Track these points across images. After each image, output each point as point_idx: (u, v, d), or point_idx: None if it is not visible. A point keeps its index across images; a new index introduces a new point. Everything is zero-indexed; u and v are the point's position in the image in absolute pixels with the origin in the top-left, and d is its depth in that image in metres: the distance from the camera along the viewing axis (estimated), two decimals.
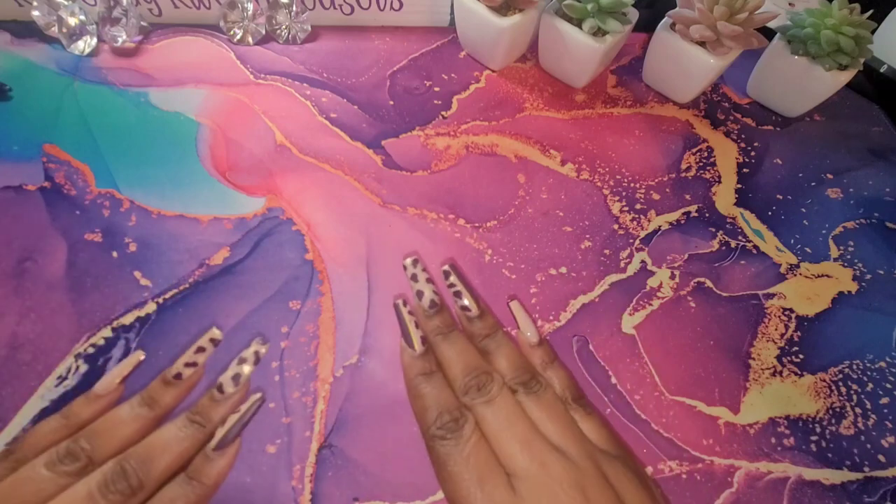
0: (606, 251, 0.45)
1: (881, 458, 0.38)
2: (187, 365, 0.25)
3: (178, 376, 0.25)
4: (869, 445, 0.39)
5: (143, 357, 0.26)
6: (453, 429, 0.23)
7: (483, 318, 0.26)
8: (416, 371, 0.25)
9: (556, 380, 0.26)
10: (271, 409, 0.36)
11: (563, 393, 0.26)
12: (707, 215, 0.48)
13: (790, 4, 0.63)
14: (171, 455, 0.23)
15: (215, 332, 0.26)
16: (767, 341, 0.42)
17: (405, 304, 0.26)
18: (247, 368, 0.25)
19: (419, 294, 0.26)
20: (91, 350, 0.36)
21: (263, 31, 0.53)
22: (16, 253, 0.40)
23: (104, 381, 0.25)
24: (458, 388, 0.24)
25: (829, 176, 0.52)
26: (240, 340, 0.38)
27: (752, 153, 0.53)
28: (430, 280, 0.26)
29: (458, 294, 0.26)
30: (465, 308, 0.26)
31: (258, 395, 0.25)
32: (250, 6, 0.51)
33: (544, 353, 0.27)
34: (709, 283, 0.44)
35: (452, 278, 0.26)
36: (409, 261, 0.27)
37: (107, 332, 0.37)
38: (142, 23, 0.52)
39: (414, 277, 0.26)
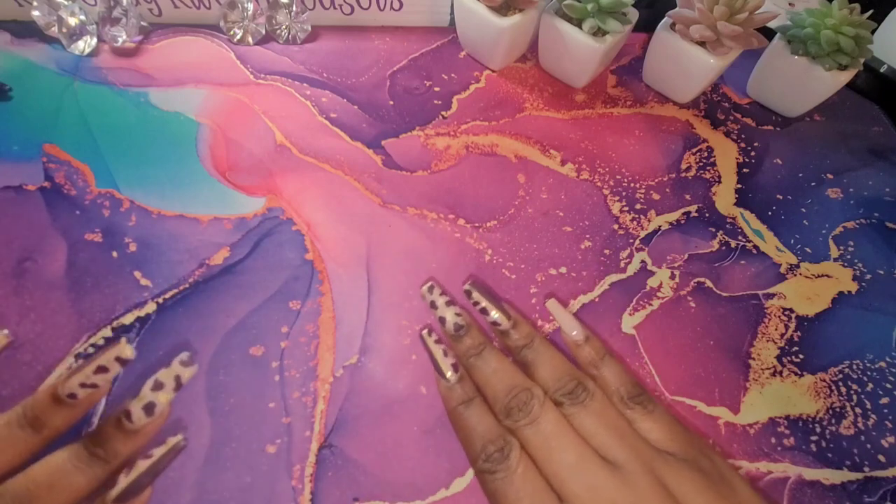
0: (606, 251, 0.45)
1: (881, 458, 0.38)
2: (83, 386, 0.20)
3: (73, 396, 0.20)
4: (869, 445, 0.39)
5: (10, 340, 0.21)
6: (499, 459, 0.22)
7: (517, 328, 0.25)
8: (456, 401, 0.24)
9: (609, 377, 0.25)
10: (271, 409, 0.36)
11: (617, 391, 0.24)
12: (707, 215, 0.48)
13: (790, 4, 0.63)
14: (61, 497, 0.18)
15: (125, 350, 0.21)
16: (767, 341, 0.42)
17: (430, 332, 0.25)
18: (163, 397, 0.21)
19: (441, 321, 0.25)
20: (91, 350, 0.36)
21: (263, 31, 0.53)
22: (16, 253, 0.40)
23: None
24: (500, 411, 0.23)
25: (829, 176, 0.52)
26: (240, 340, 0.38)
27: (752, 153, 0.53)
28: (450, 303, 0.25)
29: (484, 311, 0.25)
30: (495, 323, 0.25)
31: (178, 438, 0.21)
32: (250, 6, 0.51)
33: (592, 351, 0.26)
34: (709, 283, 0.44)
35: (475, 295, 0.25)
36: (424, 289, 0.26)
37: (107, 332, 0.37)
38: (142, 23, 0.52)
39: (433, 305, 0.26)
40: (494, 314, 0.25)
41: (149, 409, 0.20)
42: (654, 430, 0.23)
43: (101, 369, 0.21)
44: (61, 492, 0.18)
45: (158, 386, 0.20)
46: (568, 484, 0.21)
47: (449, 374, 0.24)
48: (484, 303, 0.25)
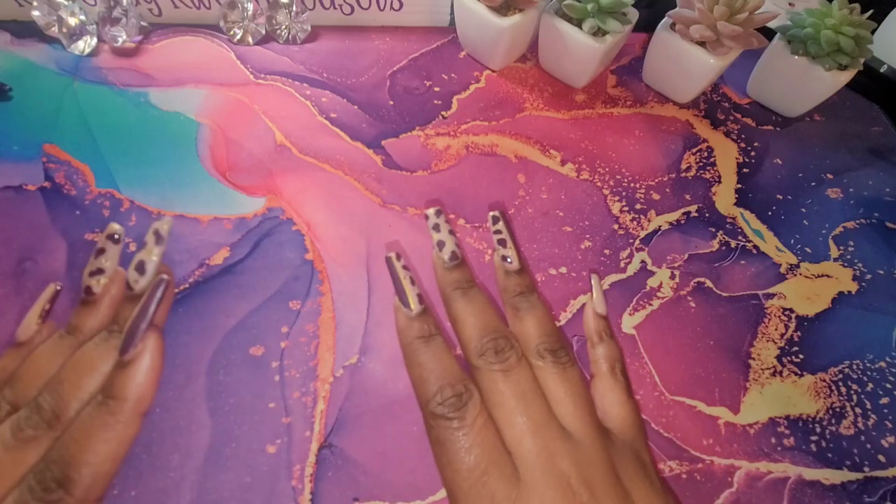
0: (606, 251, 0.45)
1: (881, 458, 0.38)
2: (93, 274, 0.21)
3: (90, 291, 0.21)
4: (869, 445, 0.39)
5: (58, 288, 0.22)
6: (456, 406, 0.20)
7: (521, 275, 0.24)
8: (414, 334, 0.22)
9: (607, 350, 0.25)
10: (271, 409, 0.36)
11: (612, 362, 0.24)
12: (707, 215, 0.48)
13: (790, 4, 0.63)
14: (88, 377, 0.19)
15: (114, 227, 0.21)
16: (767, 341, 0.42)
17: (399, 257, 0.23)
18: (150, 252, 0.21)
19: (440, 244, 0.24)
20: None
21: (263, 31, 0.53)
22: (16, 253, 0.40)
23: (23, 325, 0.21)
24: (473, 349, 0.22)
25: (829, 176, 0.52)
26: (240, 340, 0.38)
27: (752, 153, 0.53)
28: (452, 232, 0.24)
29: (502, 242, 0.24)
30: (505, 258, 0.24)
31: (162, 277, 0.20)
32: (250, 6, 0.51)
33: (606, 325, 0.26)
34: (709, 283, 0.44)
35: (500, 225, 0.24)
36: (432, 210, 0.24)
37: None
38: (142, 23, 0.52)
39: (436, 227, 0.24)
40: (509, 251, 0.24)
41: (140, 267, 0.21)
42: (620, 408, 0.23)
43: (99, 252, 0.21)
44: (89, 370, 0.19)
45: (144, 245, 0.21)
46: (524, 444, 0.20)
47: (413, 303, 0.22)
48: (505, 234, 0.24)
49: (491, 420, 0.21)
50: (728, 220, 0.48)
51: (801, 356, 0.42)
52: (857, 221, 0.49)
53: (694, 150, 0.52)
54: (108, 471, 0.18)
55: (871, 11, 0.49)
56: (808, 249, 0.47)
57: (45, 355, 0.21)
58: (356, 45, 0.55)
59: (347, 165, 0.47)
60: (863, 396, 0.41)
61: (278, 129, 0.48)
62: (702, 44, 0.50)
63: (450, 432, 0.20)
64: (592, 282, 0.28)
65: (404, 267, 0.23)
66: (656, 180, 0.50)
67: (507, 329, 0.23)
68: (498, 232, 0.24)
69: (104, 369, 0.19)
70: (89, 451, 0.18)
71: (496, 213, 0.25)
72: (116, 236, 0.21)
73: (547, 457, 0.20)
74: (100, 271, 0.21)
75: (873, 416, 0.40)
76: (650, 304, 0.43)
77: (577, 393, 0.22)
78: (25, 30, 0.50)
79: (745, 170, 0.51)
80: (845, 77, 0.50)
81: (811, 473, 0.37)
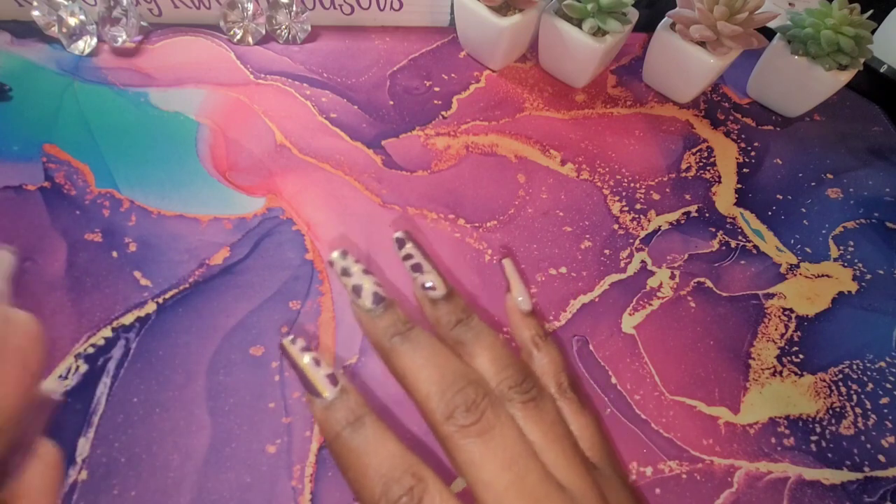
0: (606, 251, 0.45)
1: (881, 458, 0.38)
2: None
3: None
4: (869, 445, 0.39)
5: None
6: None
7: (452, 300, 0.20)
8: (339, 424, 0.17)
9: (549, 363, 0.21)
10: (271, 409, 0.36)
11: (557, 377, 0.21)
12: (707, 215, 0.48)
13: (790, 4, 0.63)
14: None
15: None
16: (767, 341, 0.42)
17: (294, 339, 0.19)
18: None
19: (356, 290, 0.19)
20: (91, 350, 0.36)
21: (263, 31, 0.53)
22: (16, 253, 0.40)
23: None
24: (435, 411, 0.18)
25: (829, 176, 0.52)
26: (240, 340, 0.38)
27: (752, 153, 0.53)
28: (367, 271, 0.20)
29: (416, 267, 0.20)
30: (424, 286, 0.20)
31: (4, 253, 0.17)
32: (250, 6, 0.51)
33: (538, 327, 0.21)
34: (709, 283, 0.44)
35: (409, 247, 0.20)
36: (335, 254, 0.20)
37: (107, 332, 0.37)
38: (142, 23, 0.52)
39: (345, 272, 0.19)
40: (429, 276, 0.19)
41: None
42: (584, 430, 0.20)
43: None
44: None
45: None
46: (487, 486, 0.17)
47: (327, 391, 0.18)
48: (418, 257, 0.20)
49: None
50: (728, 220, 0.48)
51: (801, 356, 0.42)
52: (857, 221, 0.50)
53: (694, 150, 0.52)
54: None
55: (871, 11, 0.49)
56: (808, 249, 0.47)
57: None
58: (356, 45, 0.55)
59: (347, 165, 0.47)
60: (863, 396, 0.41)
61: (278, 129, 0.48)
62: (702, 44, 0.50)
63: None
64: (506, 270, 0.21)
65: (303, 349, 0.18)
66: (656, 180, 0.50)
67: (470, 370, 0.19)
68: (408, 256, 0.20)
69: None
70: None
71: (400, 234, 0.20)
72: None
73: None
74: None
75: (873, 416, 0.40)
76: (650, 304, 0.43)
77: (556, 435, 0.19)
78: (25, 30, 0.50)
79: (745, 170, 0.51)
80: (845, 77, 0.50)
81: (811, 473, 0.37)
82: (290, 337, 0.19)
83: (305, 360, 0.18)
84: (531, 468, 0.17)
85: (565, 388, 0.20)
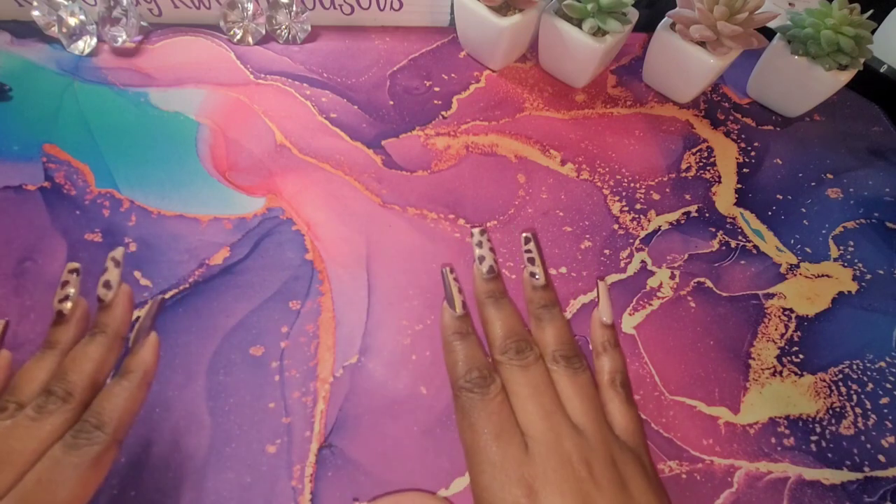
0: (606, 251, 0.45)
1: (881, 458, 0.38)
2: (62, 300, 0.27)
3: (61, 314, 0.27)
4: (869, 445, 0.39)
5: (6, 322, 0.28)
6: (481, 384, 0.24)
7: (546, 290, 0.27)
8: (453, 330, 0.26)
9: (609, 362, 0.27)
10: (271, 409, 0.36)
11: (613, 374, 0.26)
12: (707, 215, 0.48)
13: (790, 4, 0.63)
14: (87, 365, 0.25)
15: (74, 264, 0.27)
16: (767, 341, 0.42)
17: (452, 270, 0.27)
18: (111, 274, 0.27)
19: (481, 259, 0.27)
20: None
21: (263, 31, 0.53)
22: (16, 253, 0.40)
23: None
24: (497, 347, 0.25)
25: (829, 176, 0.52)
26: (240, 340, 0.38)
27: (752, 153, 0.53)
28: (493, 250, 0.28)
29: (531, 260, 0.27)
30: (533, 274, 0.27)
31: (158, 298, 0.28)
32: (250, 6, 0.51)
33: (611, 335, 0.28)
34: (709, 283, 0.44)
35: (531, 245, 0.28)
36: (477, 230, 0.28)
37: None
38: (142, 23, 0.52)
39: (479, 244, 0.27)
40: (537, 268, 0.27)
41: (107, 285, 0.27)
42: (622, 417, 0.25)
43: (65, 283, 0.27)
44: (85, 361, 0.25)
45: (105, 270, 0.27)
46: (536, 425, 0.23)
47: (459, 306, 0.26)
48: (534, 253, 0.28)
49: (507, 402, 0.24)
50: (728, 220, 0.48)
51: (801, 356, 0.42)
52: (857, 221, 0.50)
53: (694, 150, 0.52)
54: (129, 421, 0.25)
55: (871, 11, 0.49)
56: (808, 249, 0.47)
57: (35, 366, 0.26)
58: (356, 45, 0.55)
59: (347, 165, 0.47)
60: (863, 396, 0.41)
61: (278, 129, 0.48)
62: (702, 44, 0.50)
63: (473, 402, 0.24)
64: (600, 290, 0.29)
65: (455, 279, 0.27)
66: (656, 180, 0.50)
67: (529, 334, 0.26)
68: (528, 251, 0.28)
69: (97, 358, 0.25)
70: (115, 406, 0.24)
71: (528, 234, 0.28)
72: (76, 271, 0.27)
73: (553, 437, 0.23)
74: (66, 298, 0.27)
75: (873, 416, 0.40)
76: (650, 304, 0.43)
77: (585, 394, 0.25)
78: (25, 30, 0.50)
79: (745, 170, 0.51)
80: (845, 77, 0.50)
81: (811, 473, 0.37)
82: (448, 268, 0.27)
83: (453, 285, 0.26)
84: (552, 396, 0.24)
85: (618, 384, 0.26)
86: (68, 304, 0.27)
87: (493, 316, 0.26)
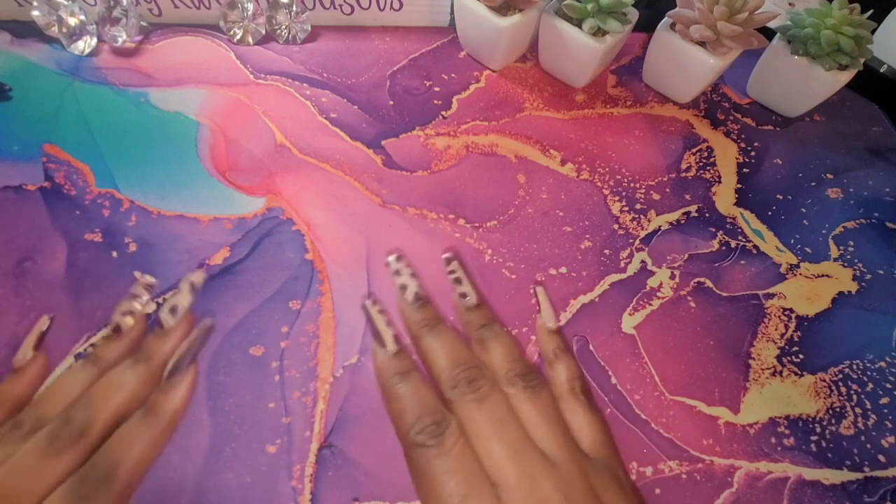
0: (606, 251, 0.45)
1: (881, 458, 0.38)
2: (124, 313, 0.25)
3: (118, 328, 0.24)
4: (869, 445, 0.39)
5: (51, 318, 0.25)
6: (435, 433, 0.21)
7: (480, 308, 0.25)
8: (392, 371, 0.23)
9: (565, 370, 0.25)
10: (271, 409, 0.36)
11: (571, 382, 0.24)
12: (707, 215, 0.48)
13: (790, 4, 0.63)
14: (116, 396, 0.22)
15: (151, 279, 0.25)
16: (767, 341, 0.42)
17: (374, 302, 0.25)
18: (183, 299, 0.25)
19: (403, 288, 0.25)
20: (91, 350, 0.36)
21: (263, 31, 0.53)
22: (16, 253, 0.40)
23: (19, 355, 0.24)
24: (445, 382, 0.22)
25: (829, 176, 0.52)
26: (240, 340, 0.38)
27: (752, 153, 0.53)
28: (414, 275, 0.25)
29: (457, 280, 0.25)
30: (463, 295, 0.25)
31: (208, 322, 0.24)
32: (250, 6, 0.51)
33: (560, 341, 0.26)
34: (709, 283, 0.44)
35: (454, 265, 0.25)
36: (392, 258, 0.25)
37: (107, 333, 0.37)
38: (142, 23, 0.52)
39: (397, 272, 0.25)
40: (465, 287, 0.25)
41: (174, 310, 0.24)
42: (588, 428, 0.23)
43: (133, 296, 0.25)
44: (116, 392, 0.22)
45: (178, 292, 0.25)
46: (507, 471, 0.20)
47: (390, 343, 0.23)
48: (459, 273, 0.25)
49: (469, 448, 0.21)
50: (728, 220, 0.48)
51: (801, 356, 0.42)
52: (857, 221, 0.50)
53: (694, 150, 0.52)
54: (144, 470, 0.22)
55: (871, 11, 0.49)
56: (808, 249, 0.47)
57: (68, 380, 0.23)
58: (356, 45, 0.55)
59: (347, 165, 0.47)
60: (863, 396, 0.41)
61: (278, 129, 0.48)
62: (702, 44, 0.50)
63: (429, 459, 0.21)
64: (539, 296, 0.26)
65: (380, 311, 0.24)
66: (656, 180, 0.50)
67: (476, 358, 0.23)
68: (452, 272, 0.25)
69: (130, 390, 0.22)
70: (132, 453, 0.21)
71: (449, 254, 0.26)
72: (151, 287, 0.25)
73: (529, 482, 0.20)
74: (130, 312, 0.24)
75: (873, 416, 0.40)
76: (650, 304, 0.43)
77: (550, 417, 0.22)
78: (25, 30, 0.50)
79: (745, 170, 0.51)
80: (845, 77, 0.50)
81: (811, 473, 0.37)
82: (370, 300, 0.25)
83: (379, 319, 0.24)
84: (516, 429, 0.21)
85: (577, 392, 0.24)
86: (130, 320, 0.24)
87: (432, 347, 0.23)
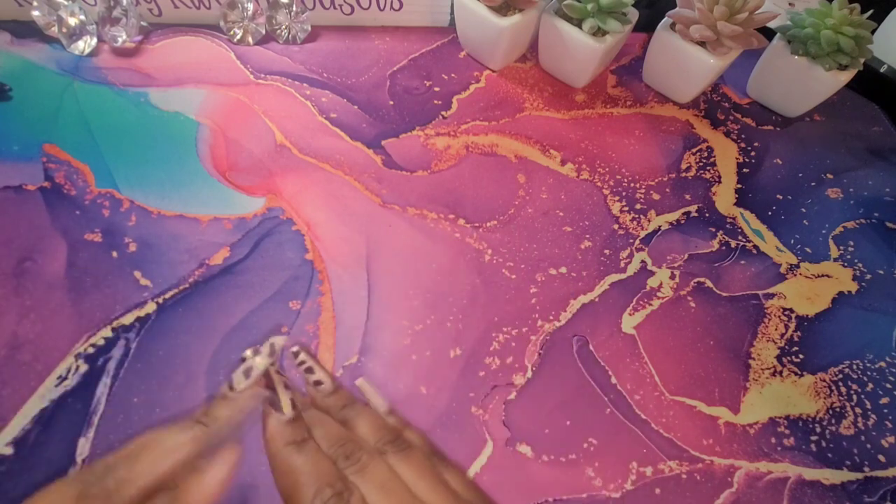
0: (606, 251, 0.45)
1: (881, 458, 0.38)
2: (245, 376, 0.24)
3: (232, 387, 0.24)
4: (869, 445, 0.39)
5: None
6: None
7: (338, 392, 0.26)
8: (286, 439, 0.22)
9: (402, 462, 0.24)
10: None
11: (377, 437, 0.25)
12: (707, 215, 0.48)
13: (790, 4, 0.63)
14: (161, 457, 0.21)
15: (277, 340, 0.24)
16: (767, 341, 0.42)
17: (274, 365, 0.24)
18: (260, 362, 0.24)
19: (272, 402, 0.24)
20: (91, 350, 0.36)
21: (263, 31, 0.53)
22: (16, 253, 0.40)
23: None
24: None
25: (829, 176, 0.52)
26: (240, 340, 0.38)
27: (752, 153, 0.53)
28: (288, 386, 0.25)
29: (309, 370, 0.25)
30: (318, 383, 0.25)
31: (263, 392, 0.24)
32: (250, 6, 0.51)
33: (396, 420, 0.27)
34: (709, 283, 0.44)
35: (303, 356, 0.26)
36: (296, 349, 0.26)
37: (107, 332, 0.37)
38: (142, 23, 0.52)
39: (301, 363, 0.26)
40: (319, 374, 0.26)
41: (247, 372, 0.23)
42: (454, 476, 0.24)
43: (257, 351, 0.24)
44: (163, 450, 0.21)
45: (256, 352, 0.24)
46: None
47: (287, 408, 0.23)
48: (310, 362, 0.26)
49: None
50: (728, 220, 0.48)
51: (801, 356, 0.42)
52: (857, 221, 0.50)
53: (694, 150, 0.52)
54: None
55: (871, 11, 0.49)
56: (808, 249, 0.47)
57: (177, 435, 0.22)
58: (356, 45, 0.55)
59: (347, 165, 0.47)
60: (863, 396, 0.41)
61: (278, 129, 0.48)
62: (702, 44, 0.50)
63: None
64: (359, 385, 0.27)
65: (277, 372, 0.24)
66: (656, 180, 0.50)
67: (350, 434, 0.24)
68: (302, 362, 0.26)
69: (180, 457, 0.21)
70: None
71: (296, 348, 0.26)
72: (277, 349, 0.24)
73: None
74: (248, 372, 0.24)
75: (873, 416, 0.40)
76: (650, 304, 0.43)
77: (425, 472, 0.23)
78: (25, 30, 0.50)
79: (745, 170, 0.51)
80: (845, 77, 0.50)
81: (811, 473, 0.37)
82: (274, 367, 0.24)
83: (278, 382, 0.23)
84: (401, 489, 0.22)
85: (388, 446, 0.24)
86: (244, 382, 0.24)
87: (302, 462, 0.22)
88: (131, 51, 0.51)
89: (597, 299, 0.43)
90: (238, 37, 0.53)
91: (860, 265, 0.47)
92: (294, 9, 0.52)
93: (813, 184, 0.51)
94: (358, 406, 0.25)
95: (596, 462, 0.36)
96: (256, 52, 0.53)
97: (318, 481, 0.21)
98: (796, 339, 0.43)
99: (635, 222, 0.47)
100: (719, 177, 0.51)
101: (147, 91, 0.49)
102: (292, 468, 0.22)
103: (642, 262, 0.45)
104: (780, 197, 0.50)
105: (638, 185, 0.49)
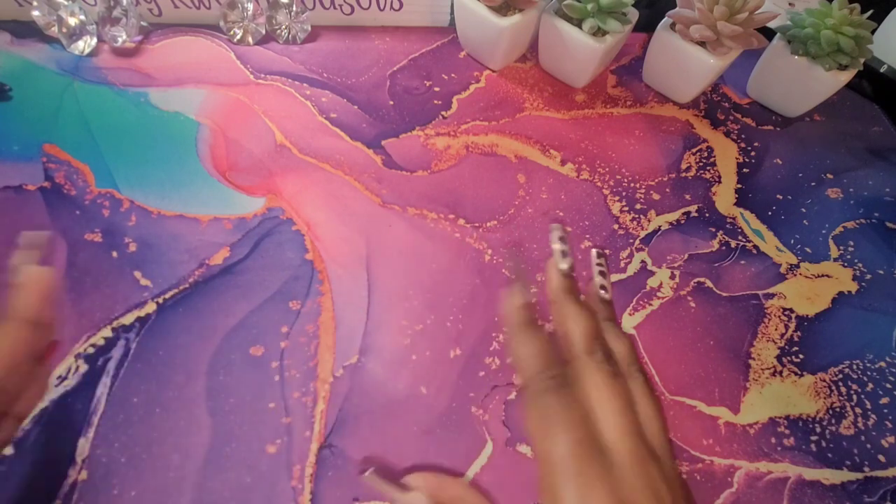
0: (606, 251, 0.45)
1: (881, 458, 0.38)
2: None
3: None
4: (869, 445, 0.39)
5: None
6: (563, 384, 0.23)
7: (609, 305, 0.28)
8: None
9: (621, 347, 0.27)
10: (271, 410, 0.36)
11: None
12: (707, 215, 0.48)
13: (790, 4, 0.63)
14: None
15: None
16: (767, 341, 0.42)
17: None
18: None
19: (562, 253, 0.28)
20: (91, 350, 0.36)
21: (263, 31, 0.53)
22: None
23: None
24: (583, 347, 0.25)
25: (829, 176, 0.52)
26: (240, 340, 0.38)
27: (752, 153, 0.53)
28: (569, 253, 0.28)
29: (602, 274, 0.29)
30: (602, 288, 0.28)
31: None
32: (250, 6, 0.51)
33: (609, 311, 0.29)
34: (709, 283, 0.44)
35: (603, 261, 0.29)
36: (557, 227, 0.28)
37: (107, 332, 0.37)
38: (142, 23, 0.52)
39: (562, 240, 0.28)
40: (608, 284, 0.28)
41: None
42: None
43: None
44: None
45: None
46: (621, 442, 0.23)
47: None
48: (605, 269, 0.29)
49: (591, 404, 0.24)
50: (728, 220, 0.48)
51: (801, 356, 0.42)
52: (857, 221, 0.50)
53: (694, 150, 0.52)
54: None
55: (871, 11, 0.49)
56: (808, 249, 0.47)
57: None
58: (356, 45, 0.55)
59: (347, 165, 0.47)
60: (863, 396, 0.41)
61: (278, 129, 0.48)
62: (702, 44, 0.50)
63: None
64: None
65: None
66: (656, 180, 0.50)
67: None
68: (600, 265, 0.29)
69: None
70: None
71: (599, 250, 0.29)
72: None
73: (640, 464, 0.22)
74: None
75: (873, 416, 0.40)
76: (650, 304, 0.43)
77: (660, 415, 0.25)
78: (25, 30, 0.50)
79: (745, 170, 0.51)
80: (845, 77, 0.50)
81: (811, 473, 0.37)
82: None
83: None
84: (633, 414, 0.24)
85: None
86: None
87: (574, 311, 0.26)
88: (131, 51, 0.51)
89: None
90: (238, 37, 0.53)
91: (860, 265, 0.47)
92: (294, 9, 0.52)
93: (813, 184, 0.51)
94: (619, 329, 0.27)
95: None
96: (256, 52, 0.53)
97: (587, 329, 0.25)
98: (796, 339, 0.43)
99: (635, 222, 0.47)
100: (719, 177, 0.51)
101: (147, 91, 0.49)
102: (567, 313, 0.26)
103: (642, 262, 0.45)
104: (780, 197, 0.50)
105: (638, 185, 0.49)
